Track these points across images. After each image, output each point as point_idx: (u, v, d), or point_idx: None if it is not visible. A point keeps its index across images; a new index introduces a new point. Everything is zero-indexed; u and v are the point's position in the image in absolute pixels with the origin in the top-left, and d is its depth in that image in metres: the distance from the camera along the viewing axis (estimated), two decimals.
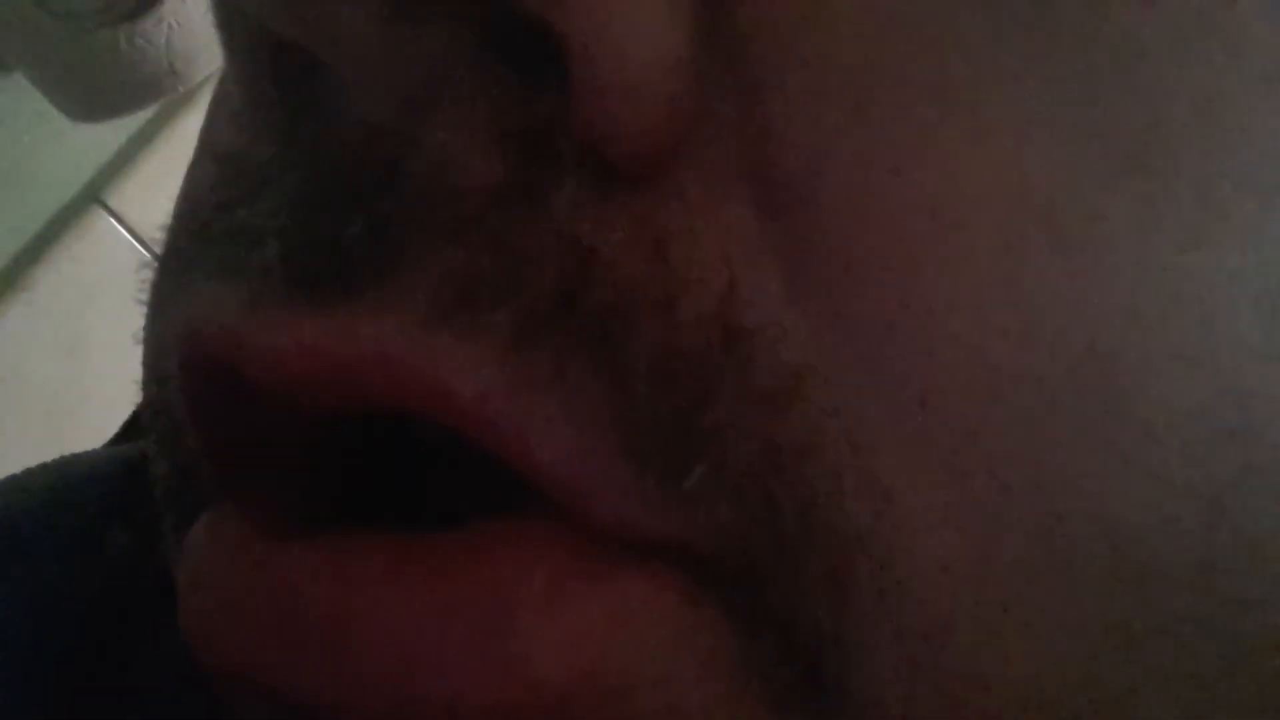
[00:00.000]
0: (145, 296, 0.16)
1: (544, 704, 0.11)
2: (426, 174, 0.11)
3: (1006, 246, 0.10)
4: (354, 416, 0.12)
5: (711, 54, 0.11)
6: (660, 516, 0.11)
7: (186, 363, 0.13)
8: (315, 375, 0.12)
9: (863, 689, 0.11)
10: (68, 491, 0.22)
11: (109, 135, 0.81)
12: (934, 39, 0.10)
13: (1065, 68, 0.10)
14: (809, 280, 0.11)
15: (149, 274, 0.15)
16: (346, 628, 0.11)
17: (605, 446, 0.11)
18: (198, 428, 0.13)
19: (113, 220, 0.82)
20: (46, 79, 0.69)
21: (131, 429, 0.27)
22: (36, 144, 0.77)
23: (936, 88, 0.10)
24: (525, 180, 0.11)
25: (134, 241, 0.82)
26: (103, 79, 0.66)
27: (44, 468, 0.23)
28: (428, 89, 0.11)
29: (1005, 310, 0.10)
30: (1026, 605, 0.10)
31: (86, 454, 0.24)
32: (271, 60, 0.12)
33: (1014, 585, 0.10)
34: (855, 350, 0.11)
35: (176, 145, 0.82)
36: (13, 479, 0.23)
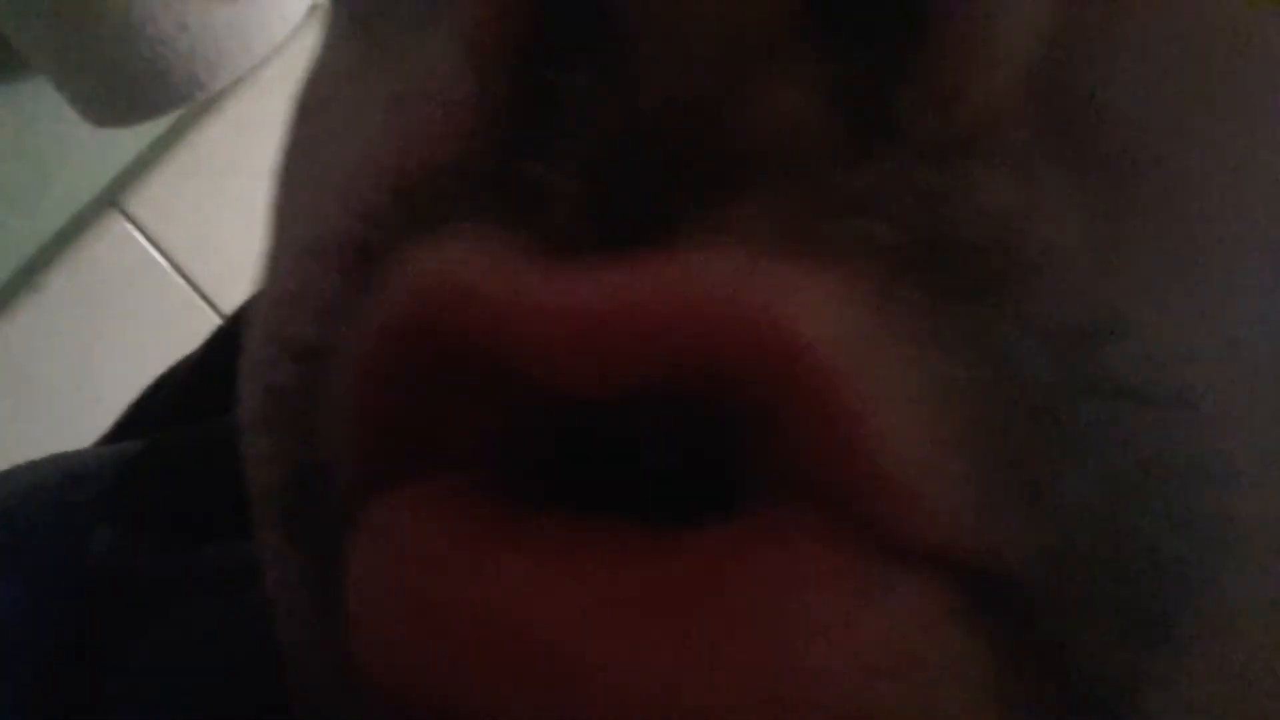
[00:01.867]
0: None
1: None
2: (755, 138, 0.10)
3: None
4: (635, 396, 0.10)
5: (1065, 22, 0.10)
6: (987, 532, 0.09)
7: (413, 323, 0.11)
8: (610, 348, 0.10)
9: None
10: (55, 490, 0.21)
11: (128, 140, 0.81)
12: None
13: None
14: (1158, 271, 0.10)
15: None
16: (585, 661, 0.09)
17: (966, 438, 0.09)
18: (398, 404, 0.11)
19: (129, 225, 0.82)
20: (68, 82, 0.69)
21: (125, 426, 0.26)
22: (56, 146, 0.78)
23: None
24: (860, 135, 0.10)
25: (149, 247, 0.82)
26: (123, 84, 0.66)
27: (33, 465, 0.23)
28: (753, 50, 0.10)
29: None
30: None
31: (76, 452, 0.24)
32: (539, 12, 0.10)
33: None
34: (1213, 344, 0.10)
35: (196, 152, 0.82)
36: (1, 475, 0.23)
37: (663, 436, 0.10)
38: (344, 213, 0.12)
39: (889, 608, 0.09)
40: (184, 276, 0.82)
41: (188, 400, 0.26)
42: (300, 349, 0.13)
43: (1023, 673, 0.10)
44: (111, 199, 0.82)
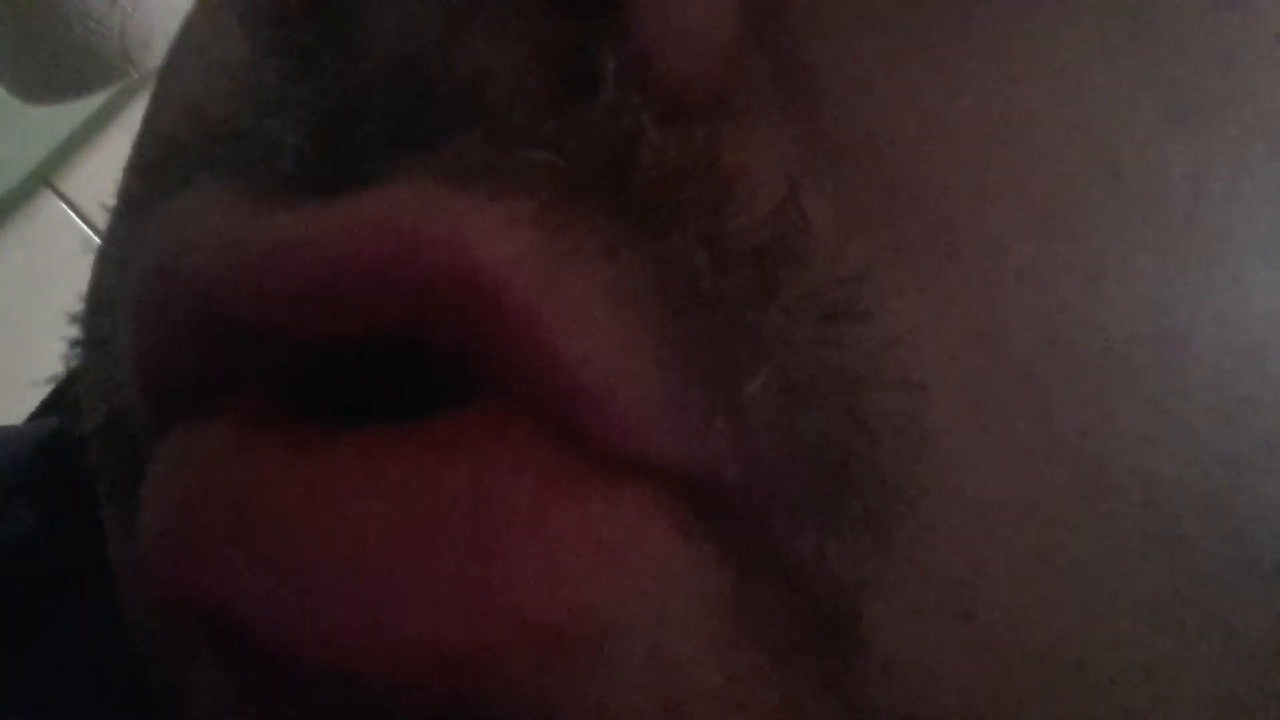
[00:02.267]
0: (111, 219, 0.15)
1: (529, 646, 0.10)
2: (460, 91, 0.10)
3: (1070, 178, 0.10)
4: (347, 338, 0.11)
5: None
6: (683, 435, 0.10)
7: (167, 271, 0.12)
8: (310, 280, 0.10)
9: (881, 641, 0.10)
10: None
11: (61, 118, 0.80)
12: None
13: (1125, 12, 0.11)
14: (866, 207, 0.10)
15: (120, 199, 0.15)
16: (307, 541, 0.10)
17: (650, 344, 0.10)
18: (162, 344, 0.12)
19: (62, 204, 0.81)
20: None
21: (50, 405, 0.26)
22: None
23: (1000, 15, 0.10)
24: (564, 93, 0.11)
25: (83, 226, 0.81)
26: (54, 61, 0.65)
27: None
28: (461, 13, 0.11)
29: (1069, 245, 0.10)
30: (1063, 557, 0.10)
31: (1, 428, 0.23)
32: None
33: (1052, 535, 0.10)
34: (915, 278, 0.10)
35: (130, 131, 0.81)
36: None
37: (392, 357, 0.11)
38: (133, 173, 0.14)
39: (591, 505, 0.10)
40: None
41: None
42: (103, 301, 0.14)
43: (753, 581, 0.10)
44: (44, 178, 0.81)
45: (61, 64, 0.65)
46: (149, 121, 0.15)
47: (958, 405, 0.10)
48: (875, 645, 0.10)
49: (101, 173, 0.81)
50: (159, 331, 0.12)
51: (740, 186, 0.10)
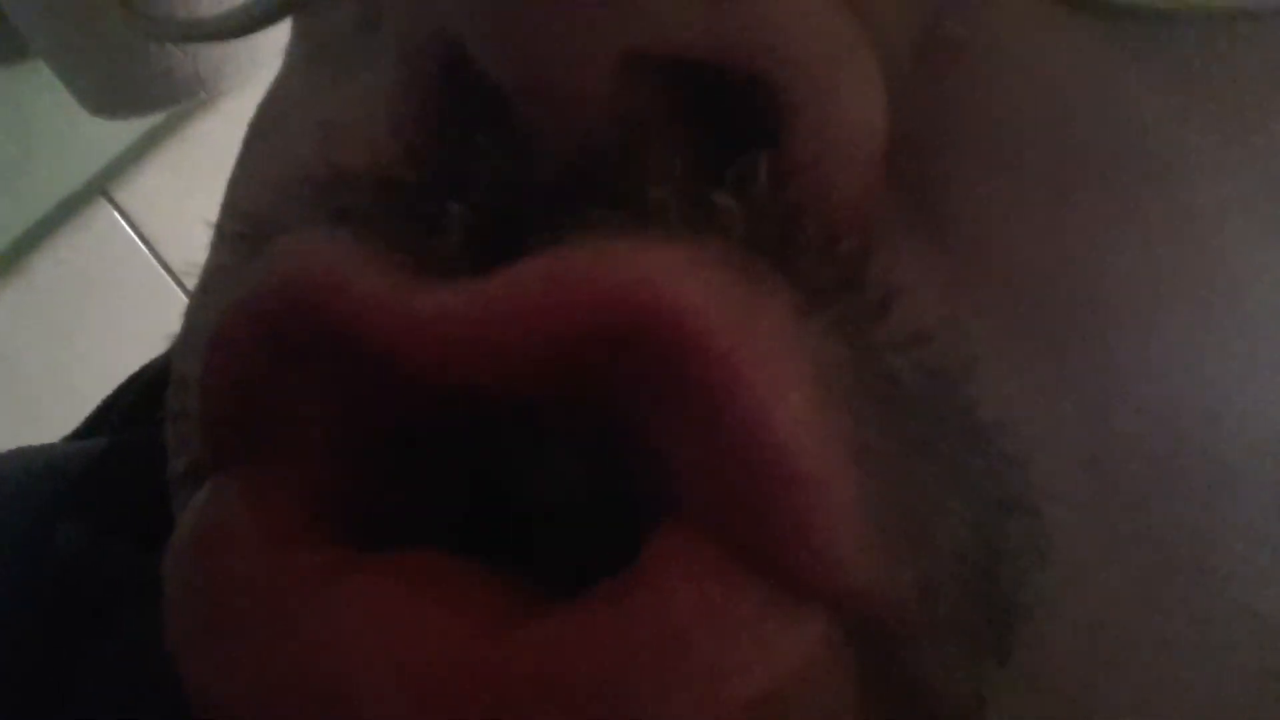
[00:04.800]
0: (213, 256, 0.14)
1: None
2: (630, 190, 0.10)
3: (1196, 323, 0.11)
4: (496, 394, 0.10)
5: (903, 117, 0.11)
6: (875, 567, 0.10)
7: (287, 291, 0.11)
8: (480, 334, 0.10)
9: None
10: (20, 484, 0.21)
11: (121, 130, 0.81)
12: (1136, 121, 0.11)
13: (1262, 162, 0.11)
14: (1004, 340, 0.10)
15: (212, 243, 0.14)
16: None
17: (853, 449, 0.10)
18: (241, 381, 0.11)
19: (116, 214, 0.82)
20: (69, 70, 0.69)
21: (95, 423, 0.26)
22: (49, 132, 0.78)
23: (1140, 170, 0.11)
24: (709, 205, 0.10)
25: (135, 237, 0.82)
26: (127, 77, 0.66)
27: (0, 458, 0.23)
28: (628, 141, 0.10)
29: (1191, 387, 0.10)
30: (1172, 684, 0.10)
31: (44, 447, 0.24)
32: (444, 71, 0.11)
33: (1162, 661, 0.10)
34: (1040, 403, 0.10)
35: (186, 146, 0.82)
36: None
37: (557, 453, 0.11)
38: (249, 201, 0.13)
39: (779, 650, 0.09)
40: (166, 268, 0.82)
41: (155, 400, 0.26)
42: (199, 333, 0.13)
43: (881, 700, 0.10)
44: (100, 187, 0.82)
45: (135, 81, 0.67)
46: (244, 172, 0.15)
47: (1075, 525, 0.10)
48: None
49: (156, 186, 0.82)
50: (242, 360, 0.11)
51: (901, 301, 0.10)
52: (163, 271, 0.82)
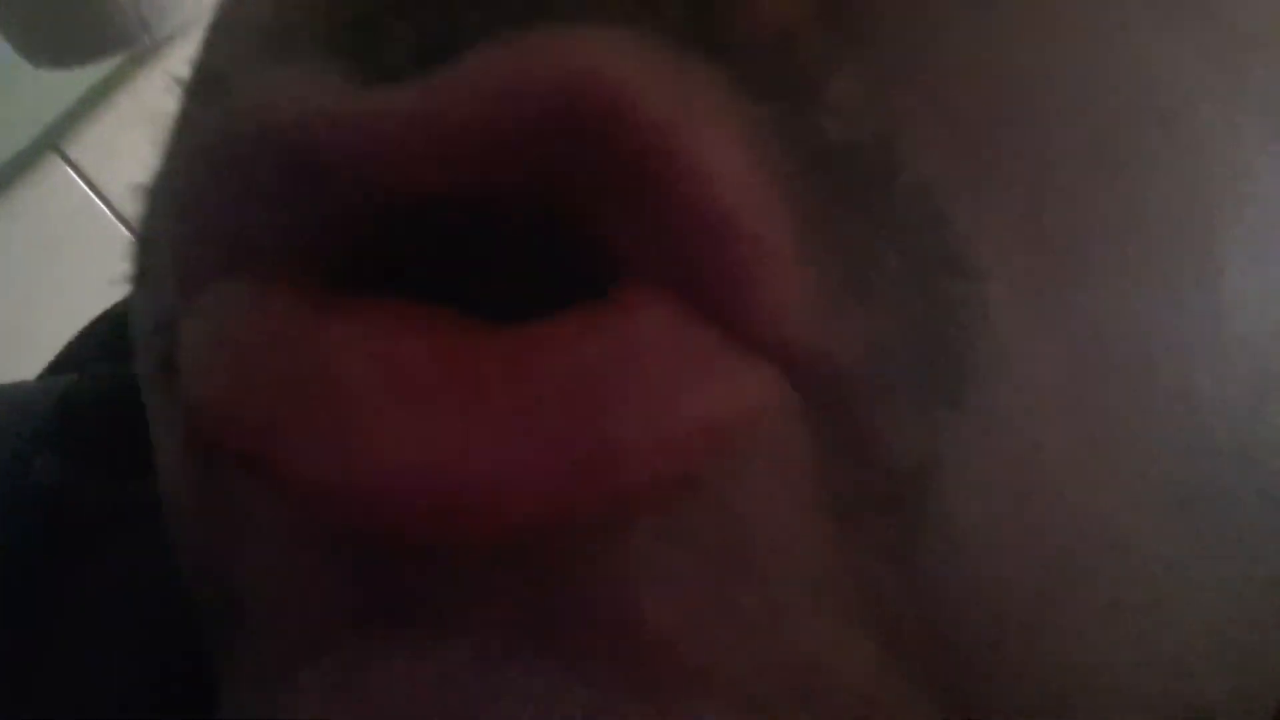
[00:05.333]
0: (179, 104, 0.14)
1: (606, 499, 0.10)
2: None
3: (1134, 115, 0.11)
4: (455, 185, 0.10)
5: None
6: (817, 319, 0.10)
7: (241, 127, 0.11)
8: (418, 123, 0.10)
9: (943, 513, 0.10)
10: None
11: (70, 84, 0.80)
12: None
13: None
14: (940, 113, 0.11)
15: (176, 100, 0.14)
16: (377, 418, 0.10)
17: (787, 207, 0.10)
18: (216, 208, 0.11)
19: (69, 169, 0.81)
20: (11, 22, 0.68)
21: (61, 364, 0.26)
22: None
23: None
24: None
25: (89, 191, 0.81)
26: (69, 25, 0.65)
27: None
28: None
29: (1127, 181, 0.11)
30: (1111, 448, 0.11)
31: (12, 384, 0.23)
32: None
33: (1103, 427, 0.11)
34: (981, 178, 0.11)
35: (139, 99, 0.81)
36: None
37: (511, 237, 0.11)
38: (206, 58, 0.14)
39: (715, 388, 0.10)
40: (122, 221, 0.81)
41: (120, 341, 0.26)
42: (163, 185, 0.13)
43: (836, 461, 0.10)
44: (52, 142, 0.81)
45: (76, 29, 0.65)
46: (205, 38, 0.15)
47: (1016, 292, 0.10)
48: (937, 516, 0.10)
49: (108, 139, 0.81)
50: (215, 189, 0.11)
51: (834, 78, 0.10)
52: (118, 224, 0.81)
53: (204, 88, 0.13)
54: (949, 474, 0.10)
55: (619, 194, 0.10)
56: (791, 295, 0.10)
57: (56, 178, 0.81)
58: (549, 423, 0.10)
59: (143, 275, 0.14)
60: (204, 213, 0.12)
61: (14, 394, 0.22)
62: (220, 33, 0.14)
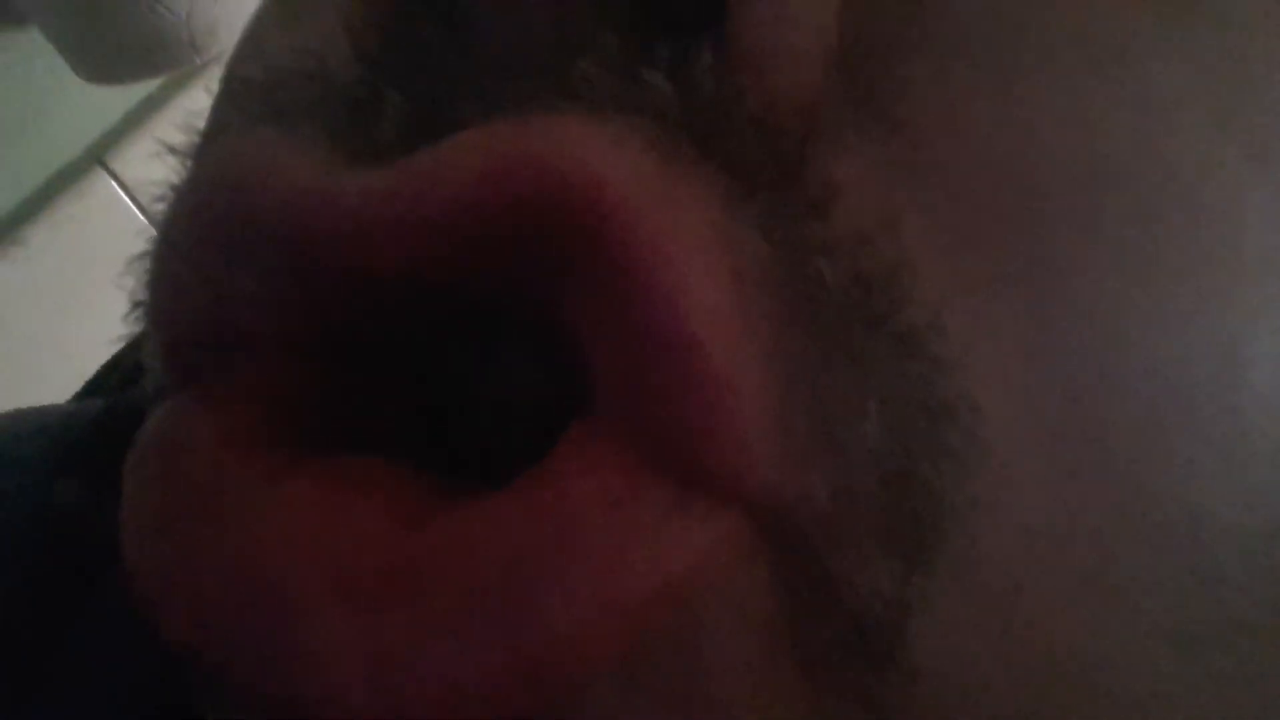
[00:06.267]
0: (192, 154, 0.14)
1: (560, 669, 0.09)
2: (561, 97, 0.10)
3: (1146, 214, 0.10)
4: (430, 278, 0.10)
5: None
6: (784, 466, 0.09)
7: (220, 194, 0.11)
8: (394, 209, 0.10)
9: (917, 653, 0.10)
10: (18, 442, 0.21)
11: (117, 99, 0.81)
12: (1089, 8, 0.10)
13: (1215, 51, 0.10)
14: (946, 234, 0.10)
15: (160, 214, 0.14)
16: (323, 634, 0.09)
17: (766, 344, 0.09)
18: (197, 278, 0.11)
19: (113, 183, 0.82)
20: (64, 37, 0.69)
21: (94, 387, 0.26)
22: (46, 101, 0.77)
23: (1088, 56, 0.10)
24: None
25: (132, 205, 0.82)
26: (120, 43, 0.66)
27: None
28: (563, 20, 0.10)
29: (1135, 281, 0.10)
30: (1105, 580, 0.10)
31: (42, 408, 0.24)
32: None
33: (1096, 558, 0.10)
34: (978, 301, 0.10)
35: (184, 115, 0.82)
36: None
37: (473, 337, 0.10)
38: (205, 119, 0.13)
39: (670, 535, 0.09)
40: None
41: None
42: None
43: (800, 607, 0.10)
44: (97, 156, 0.82)
45: (129, 47, 0.66)
46: (219, 90, 0.15)
47: (1010, 424, 0.10)
48: (911, 657, 0.10)
49: (153, 155, 0.82)
50: (193, 257, 0.11)
51: (839, 200, 0.10)
52: None
53: (197, 147, 0.13)
54: (921, 621, 0.10)
55: (588, 307, 0.10)
56: (760, 445, 0.09)
57: (100, 192, 0.82)
58: (492, 622, 0.09)
59: (146, 338, 0.13)
60: (170, 285, 0.11)
61: (41, 418, 0.22)
62: (220, 91, 0.14)
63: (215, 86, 0.15)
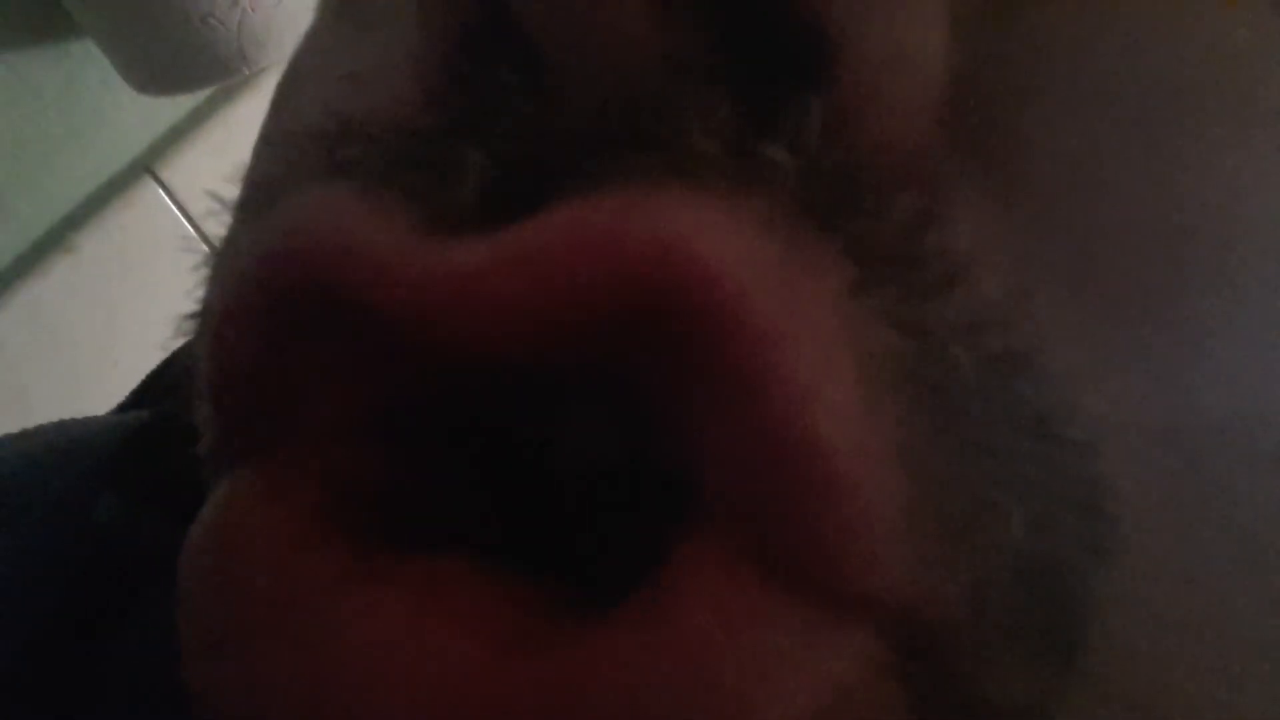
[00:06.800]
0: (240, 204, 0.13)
1: None
2: (665, 135, 0.09)
3: (1273, 279, 0.09)
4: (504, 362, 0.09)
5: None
6: (921, 577, 0.09)
7: (293, 261, 0.10)
8: (472, 293, 0.09)
9: None
10: (61, 455, 0.21)
11: (167, 109, 0.82)
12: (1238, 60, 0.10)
13: None
14: (1076, 308, 0.09)
15: (205, 240, 0.14)
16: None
17: (899, 448, 0.09)
18: (254, 360, 0.10)
19: (161, 191, 0.83)
20: (116, 48, 0.70)
21: (140, 397, 0.26)
22: (97, 110, 0.78)
23: (1232, 113, 0.10)
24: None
25: (179, 214, 0.83)
26: (172, 55, 0.67)
27: (39, 430, 0.23)
28: (666, 84, 0.09)
29: (1265, 344, 0.09)
30: (1255, 684, 0.09)
31: (87, 419, 0.24)
32: (471, 12, 0.10)
33: (1245, 658, 0.09)
34: (1112, 376, 0.09)
35: (232, 125, 0.83)
36: (8, 438, 0.23)
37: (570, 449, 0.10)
38: (258, 166, 0.12)
39: (816, 675, 0.08)
40: (210, 246, 0.83)
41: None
42: (206, 310, 0.12)
43: (935, 713, 0.09)
44: (146, 165, 0.83)
45: (180, 58, 0.67)
46: (271, 124, 0.14)
47: (1148, 512, 0.09)
48: None
49: (201, 164, 0.83)
50: (255, 336, 0.10)
51: (967, 274, 0.09)
52: (206, 249, 0.82)
53: (251, 203, 0.12)
54: None
55: (699, 408, 0.09)
56: (894, 554, 0.08)
57: (149, 200, 0.83)
58: None
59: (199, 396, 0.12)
60: (232, 359, 0.10)
61: (83, 430, 0.22)
62: (270, 140, 0.13)
63: (268, 90, 0.14)
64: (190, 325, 0.14)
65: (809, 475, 0.08)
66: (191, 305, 0.14)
